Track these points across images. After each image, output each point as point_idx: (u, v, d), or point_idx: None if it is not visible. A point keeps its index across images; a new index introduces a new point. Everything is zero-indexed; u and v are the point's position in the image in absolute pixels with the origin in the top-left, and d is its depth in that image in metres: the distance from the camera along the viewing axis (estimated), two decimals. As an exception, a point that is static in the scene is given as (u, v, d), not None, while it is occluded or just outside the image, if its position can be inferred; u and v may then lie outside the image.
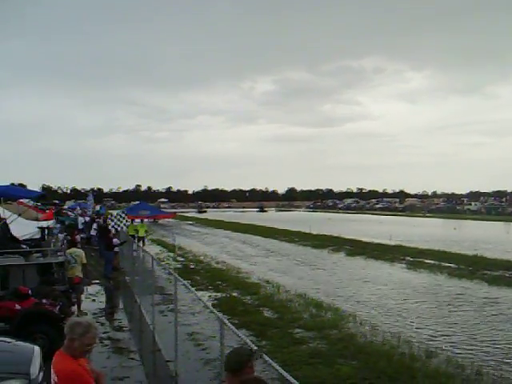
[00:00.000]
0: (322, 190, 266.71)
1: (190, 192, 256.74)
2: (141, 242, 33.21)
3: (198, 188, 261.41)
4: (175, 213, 75.32)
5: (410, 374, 11.15)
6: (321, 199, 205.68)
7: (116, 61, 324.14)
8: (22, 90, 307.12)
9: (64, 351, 5.09)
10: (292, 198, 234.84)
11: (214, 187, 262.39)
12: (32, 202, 29.36)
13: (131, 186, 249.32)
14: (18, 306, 12.02)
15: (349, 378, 10.91)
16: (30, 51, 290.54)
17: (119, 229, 26.82)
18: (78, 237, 25.46)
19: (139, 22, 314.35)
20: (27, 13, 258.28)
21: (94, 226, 37.53)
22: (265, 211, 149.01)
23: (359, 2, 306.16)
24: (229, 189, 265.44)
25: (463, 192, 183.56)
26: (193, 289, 10.62)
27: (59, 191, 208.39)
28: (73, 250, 17.77)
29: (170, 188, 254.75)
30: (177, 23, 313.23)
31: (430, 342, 14.25)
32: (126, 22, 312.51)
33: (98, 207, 60.82)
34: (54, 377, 5.02)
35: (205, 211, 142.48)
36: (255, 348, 5.59)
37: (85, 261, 17.49)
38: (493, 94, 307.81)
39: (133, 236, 30.85)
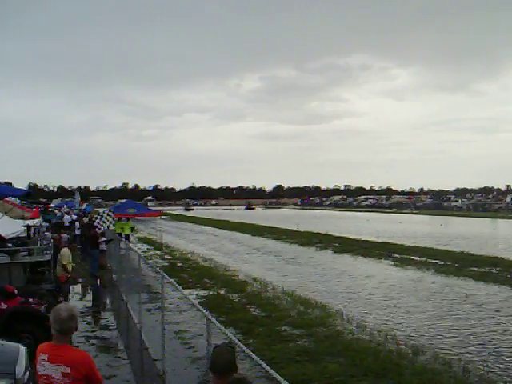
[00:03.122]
0: (309, 187, 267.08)
1: (178, 190, 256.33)
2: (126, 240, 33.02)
3: (185, 186, 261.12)
4: (161, 211, 74.80)
5: (398, 371, 11.16)
6: (308, 196, 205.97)
7: (103, 59, 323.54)
8: (10, 89, 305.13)
9: (63, 343, 5.10)
10: (279, 196, 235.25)
11: (201, 185, 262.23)
12: (18, 201, 29.23)
13: (118, 184, 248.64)
14: (3, 305, 11.91)
15: (336, 376, 10.90)
16: (17, 50, 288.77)
17: (106, 227, 26.71)
18: (64, 236, 25.29)
19: (126, 21, 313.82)
20: (16, 12, 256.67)
21: (77, 225, 37.32)
22: (252, 209, 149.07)
23: (346, 0, 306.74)
24: (216, 186, 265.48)
25: (450, 189, 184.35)
26: (179, 287, 10.57)
27: (46, 189, 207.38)
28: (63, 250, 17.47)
29: (157, 186, 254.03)
30: (164, 22, 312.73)
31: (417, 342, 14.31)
32: (114, 21, 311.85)
33: (84, 205, 60.51)
34: (60, 370, 4.98)
35: (192, 209, 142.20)
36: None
37: (65, 261, 16.64)
38: (479, 91, 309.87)
39: (119, 234, 30.71)
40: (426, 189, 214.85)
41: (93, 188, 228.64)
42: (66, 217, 43.84)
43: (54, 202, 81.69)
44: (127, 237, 34.20)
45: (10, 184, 65.29)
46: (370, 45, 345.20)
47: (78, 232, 36.16)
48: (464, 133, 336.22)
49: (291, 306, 17.96)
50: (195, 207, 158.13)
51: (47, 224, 33.00)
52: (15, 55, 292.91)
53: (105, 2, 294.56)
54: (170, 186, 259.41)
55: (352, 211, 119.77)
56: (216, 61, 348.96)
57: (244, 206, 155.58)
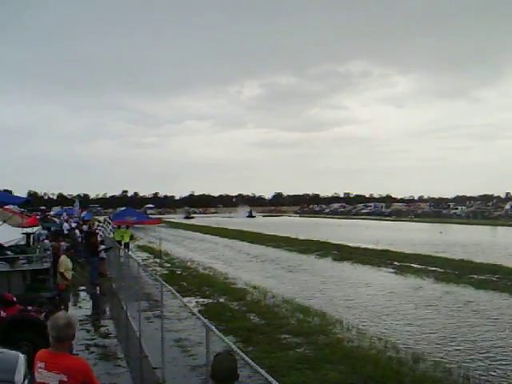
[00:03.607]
0: (308, 194, 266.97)
1: (177, 197, 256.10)
2: (125, 248, 32.95)
3: (185, 193, 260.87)
4: (160, 219, 74.69)
5: (398, 379, 11.16)
6: (308, 204, 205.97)
7: (103, 67, 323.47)
8: (9, 96, 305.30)
9: (60, 351, 5.07)
10: (279, 203, 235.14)
11: (200, 193, 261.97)
12: (18, 208, 29.19)
13: (118, 192, 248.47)
14: (2, 313, 11.88)
15: (336, 383, 10.90)
16: (16, 57, 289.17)
17: (106, 234, 26.69)
18: (63, 243, 25.25)
19: (126, 28, 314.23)
20: (14, 18, 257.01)
21: (77, 232, 37.28)
22: (254, 217, 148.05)
23: (345, 7, 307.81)
24: (216, 194, 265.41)
25: (450, 196, 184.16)
26: (179, 295, 10.55)
27: (46, 197, 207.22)
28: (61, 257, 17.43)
29: (156, 194, 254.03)
30: (164, 29, 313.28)
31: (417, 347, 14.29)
32: (113, 28, 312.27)
33: (83, 213, 60.50)
34: (57, 378, 4.96)
35: (192, 217, 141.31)
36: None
37: (62, 269, 16.54)
38: (479, 98, 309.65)
39: (119, 242, 30.68)
40: (425, 196, 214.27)
41: (92, 196, 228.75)
42: (66, 225, 43.72)
43: (54, 210, 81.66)
44: (127, 245, 34.20)
45: (10, 192, 65.38)
46: (370, 51, 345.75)
47: (80, 240, 36.16)
48: (464, 140, 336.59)
49: (291, 313, 17.95)
50: (195, 215, 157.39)
51: (46, 232, 32.94)
52: (14, 61, 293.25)
53: (104, 8, 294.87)
54: (169, 194, 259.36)
55: (351, 219, 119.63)
56: (216, 68, 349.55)
57: (245, 214, 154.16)
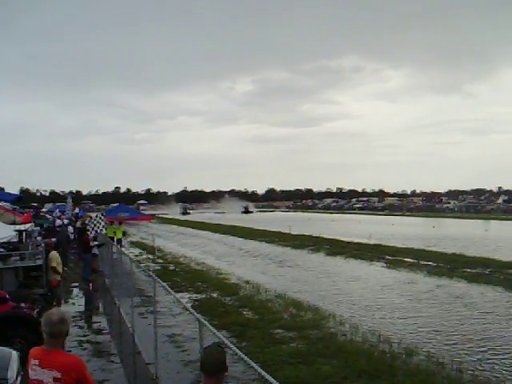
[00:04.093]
0: (301, 190, 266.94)
1: (170, 193, 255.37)
2: (118, 244, 32.89)
3: (178, 189, 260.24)
4: (153, 215, 74.58)
5: (391, 372, 11.19)
6: (300, 199, 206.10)
7: (94, 63, 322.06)
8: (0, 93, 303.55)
9: (54, 348, 5.07)
10: (272, 199, 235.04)
11: (193, 188, 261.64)
12: (9, 205, 29.14)
13: (110, 188, 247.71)
14: (-5, 310, 11.87)
15: (329, 377, 10.92)
16: (7, 53, 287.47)
17: (98, 230, 26.65)
18: (54, 240, 25.20)
19: (118, 24, 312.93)
20: (7, 16, 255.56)
21: (70, 229, 37.24)
22: (250, 212, 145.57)
23: (337, 2, 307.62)
24: (208, 190, 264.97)
25: (442, 190, 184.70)
26: (172, 290, 10.54)
27: (38, 194, 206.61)
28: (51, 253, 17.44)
29: (149, 190, 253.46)
30: (156, 25, 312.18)
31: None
32: (105, 24, 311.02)
33: (76, 210, 60.41)
34: (51, 375, 4.96)
35: (189, 213, 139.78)
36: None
37: (54, 264, 16.53)
38: (471, 92, 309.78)
39: (111, 238, 30.62)
40: (418, 191, 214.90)
41: (85, 192, 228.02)
42: (58, 221, 43.67)
43: (47, 207, 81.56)
44: (119, 241, 34.15)
45: (2, 189, 65.14)
46: (362, 46, 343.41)
47: (72, 236, 36.10)
48: (456, 134, 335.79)
49: (284, 308, 17.97)
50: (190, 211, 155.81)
51: (39, 229, 32.91)
52: (3, 58, 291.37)
53: (96, 4, 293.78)
54: (162, 190, 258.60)
55: (344, 213, 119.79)
56: (208, 64, 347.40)
57: (240, 209, 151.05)
